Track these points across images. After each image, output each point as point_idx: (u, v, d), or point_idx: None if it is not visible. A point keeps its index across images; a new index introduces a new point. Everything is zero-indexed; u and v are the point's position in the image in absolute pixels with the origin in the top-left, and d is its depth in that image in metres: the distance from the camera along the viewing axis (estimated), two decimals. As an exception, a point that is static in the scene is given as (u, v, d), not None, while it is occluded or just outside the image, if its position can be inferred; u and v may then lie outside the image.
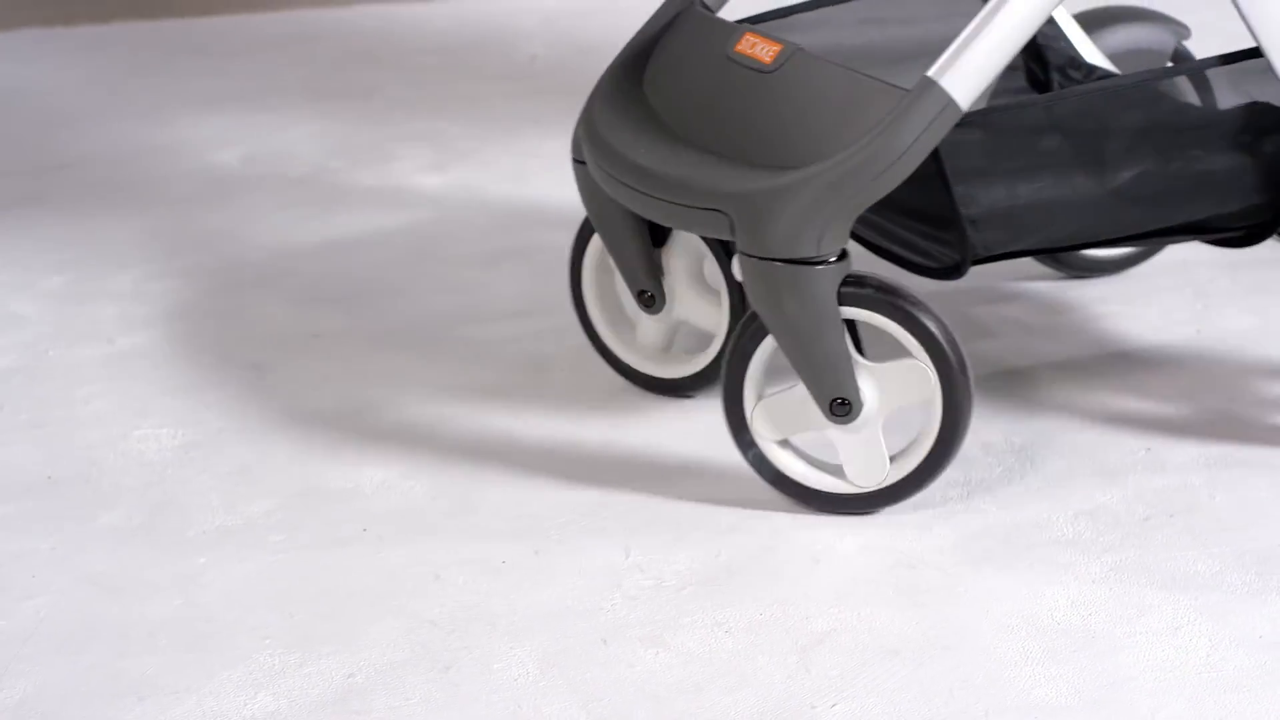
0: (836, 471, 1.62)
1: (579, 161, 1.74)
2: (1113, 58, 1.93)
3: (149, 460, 1.74)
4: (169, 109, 2.74)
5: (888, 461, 1.60)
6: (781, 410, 1.61)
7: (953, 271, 1.64)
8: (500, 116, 2.68)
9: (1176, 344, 1.93)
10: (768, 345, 1.59)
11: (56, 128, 2.67)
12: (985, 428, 1.76)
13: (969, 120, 1.56)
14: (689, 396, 1.83)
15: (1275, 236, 1.73)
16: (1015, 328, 1.97)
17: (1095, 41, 1.93)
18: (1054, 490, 1.66)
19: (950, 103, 1.51)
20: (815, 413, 1.59)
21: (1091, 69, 1.90)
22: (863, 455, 1.60)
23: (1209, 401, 1.81)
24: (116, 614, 1.51)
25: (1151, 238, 1.72)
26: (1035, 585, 1.51)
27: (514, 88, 2.82)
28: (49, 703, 1.40)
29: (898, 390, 1.58)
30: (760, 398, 1.61)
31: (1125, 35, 1.95)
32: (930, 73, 1.52)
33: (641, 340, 1.84)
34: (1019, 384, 1.85)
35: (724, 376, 1.62)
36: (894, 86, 1.53)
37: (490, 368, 1.90)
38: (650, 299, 1.79)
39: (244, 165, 2.51)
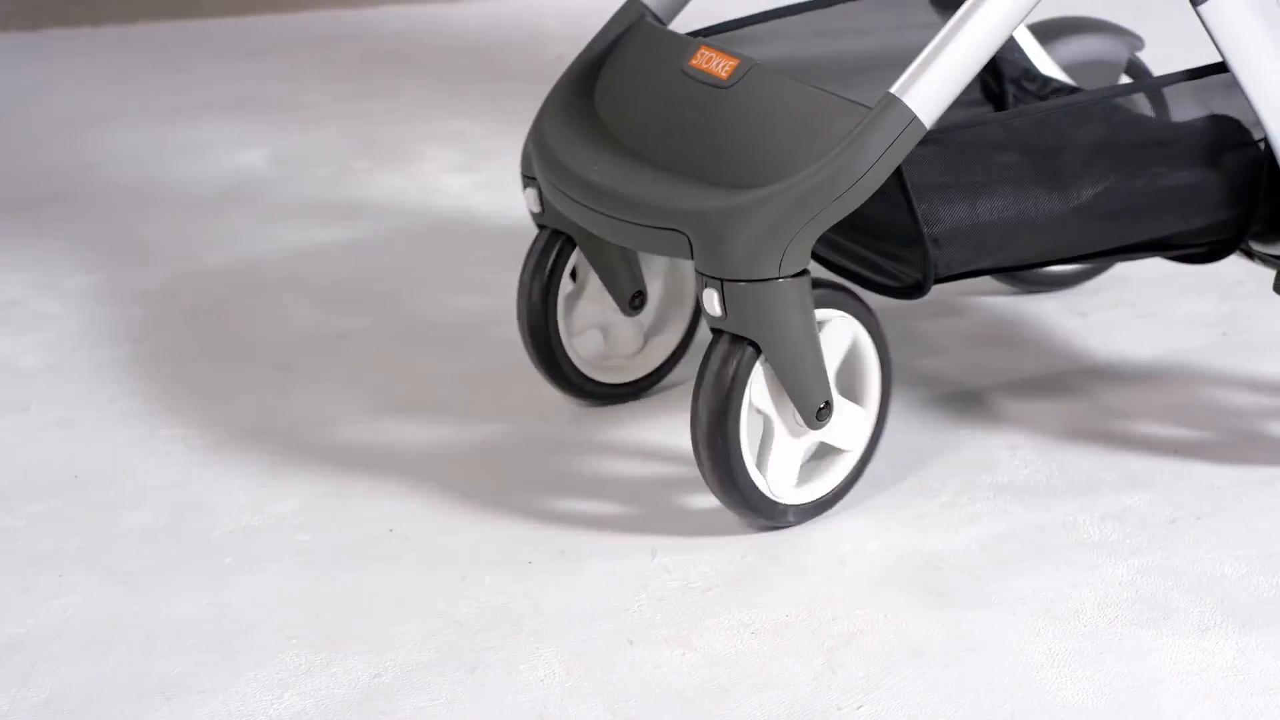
0: (834, 453, 1.61)
1: (529, 178, 1.71)
2: (1067, 69, 1.92)
3: (176, 460, 1.75)
4: (194, 109, 2.74)
5: (861, 410, 1.60)
6: (783, 455, 1.57)
7: (914, 290, 1.61)
8: (526, 117, 2.67)
9: (1203, 347, 1.92)
10: (742, 414, 1.53)
11: (82, 127, 2.68)
12: (1012, 431, 1.76)
13: (931, 137, 1.53)
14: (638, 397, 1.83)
15: (1239, 252, 1.72)
16: (1038, 333, 1.97)
17: (1049, 53, 1.92)
18: (1080, 492, 1.65)
19: (914, 120, 1.48)
20: (804, 431, 1.57)
21: (1046, 80, 1.89)
22: (841, 425, 1.59)
23: (1236, 404, 1.80)
24: (143, 614, 1.51)
25: (1115, 254, 1.69)
26: (1062, 587, 1.51)
27: (540, 88, 2.80)
28: (75, 702, 1.40)
29: (833, 352, 1.57)
30: (759, 465, 1.57)
31: (1079, 46, 1.94)
32: (894, 89, 1.49)
33: (618, 348, 1.82)
34: (1044, 387, 1.85)
35: (718, 473, 1.54)
36: (856, 103, 1.50)
37: (515, 369, 1.90)
38: (641, 299, 1.79)
39: (269, 165, 2.51)
